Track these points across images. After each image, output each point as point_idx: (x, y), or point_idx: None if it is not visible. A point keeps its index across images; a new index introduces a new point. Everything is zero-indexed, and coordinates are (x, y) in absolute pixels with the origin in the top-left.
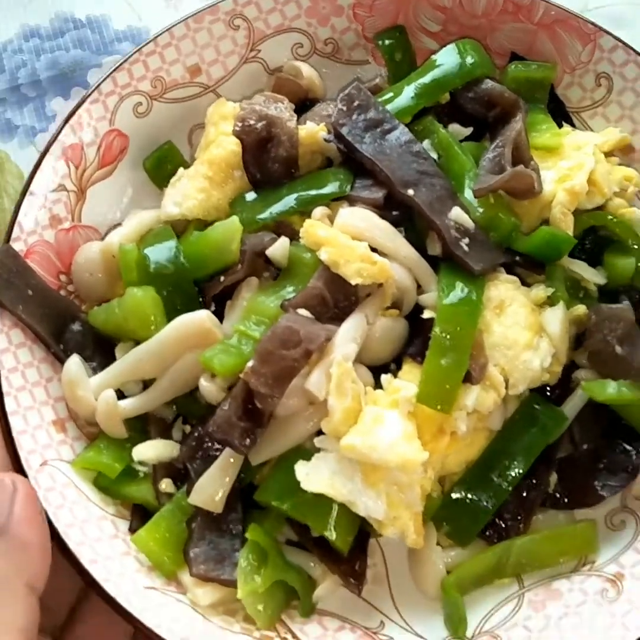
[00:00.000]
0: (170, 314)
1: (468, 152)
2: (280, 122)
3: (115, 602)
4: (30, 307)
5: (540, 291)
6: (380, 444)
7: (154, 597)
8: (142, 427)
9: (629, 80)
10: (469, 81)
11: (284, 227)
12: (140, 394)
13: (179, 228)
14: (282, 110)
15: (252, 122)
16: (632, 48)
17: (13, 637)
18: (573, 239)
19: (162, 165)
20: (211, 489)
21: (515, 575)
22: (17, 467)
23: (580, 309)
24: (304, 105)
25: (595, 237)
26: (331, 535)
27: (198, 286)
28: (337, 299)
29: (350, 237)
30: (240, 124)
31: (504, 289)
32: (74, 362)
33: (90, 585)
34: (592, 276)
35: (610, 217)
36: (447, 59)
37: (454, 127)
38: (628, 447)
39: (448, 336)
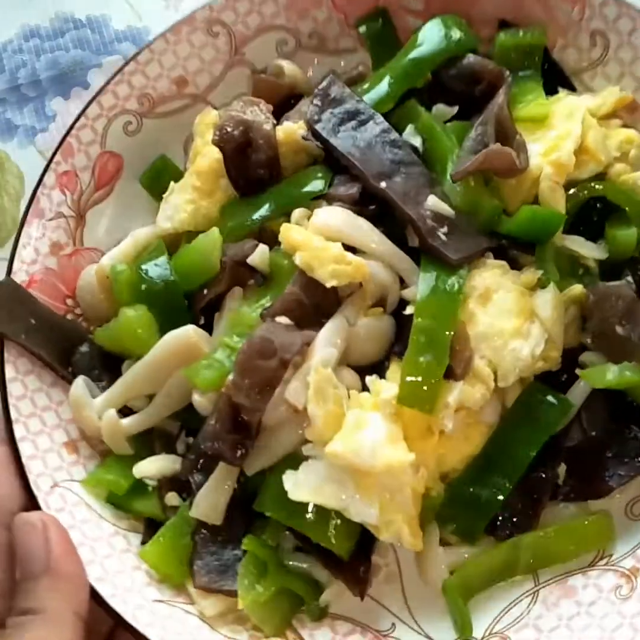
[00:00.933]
0: (164, 329)
1: (452, 133)
2: (256, 125)
3: (120, 617)
4: (33, 335)
5: (529, 274)
6: (363, 448)
7: (161, 610)
8: (148, 442)
9: (625, 35)
10: (450, 58)
11: (266, 232)
12: (140, 411)
13: (177, 242)
14: (258, 113)
15: (229, 129)
16: (623, 0)
17: None
18: (562, 214)
19: (159, 180)
20: (209, 501)
21: (528, 572)
22: (28, 493)
23: (577, 288)
24: (288, 103)
25: (599, 209)
26: (330, 543)
27: (189, 300)
28: (317, 303)
29: (327, 238)
30: (218, 133)
31: (489, 276)
32: (79, 384)
33: (97, 602)
34: (591, 251)
35: (600, 186)
36: (428, 36)
37: (439, 108)
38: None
39: (425, 332)
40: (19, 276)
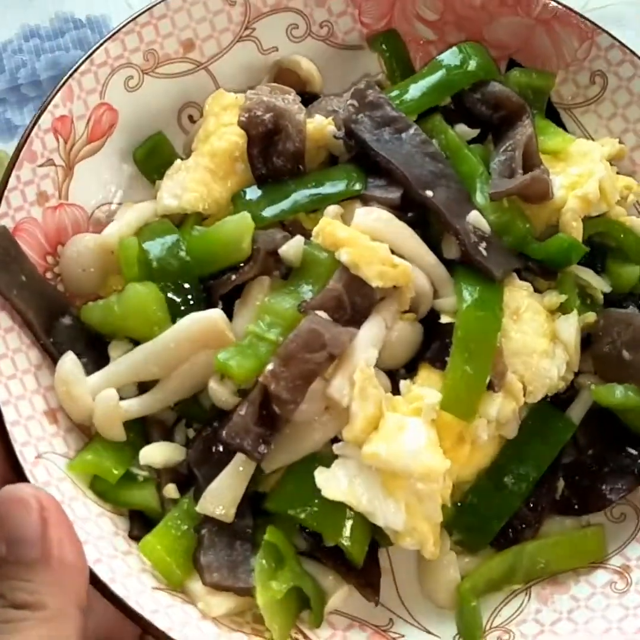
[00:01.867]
0: (173, 312)
1: (477, 154)
2: (289, 114)
3: (124, 604)
4: (24, 294)
5: (554, 298)
6: (404, 452)
7: (163, 599)
8: (140, 429)
9: (624, 79)
10: (475, 83)
11: (292, 225)
12: (142, 395)
13: (174, 222)
14: (291, 102)
15: (259, 113)
16: (628, 48)
17: None
18: (584, 246)
19: (153, 157)
20: (222, 497)
21: (526, 581)
22: (13, 461)
23: (591, 316)
24: (303, 99)
25: (593, 245)
26: (346, 544)
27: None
28: (354, 302)
29: (371, 238)
30: (246, 115)
31: (518, 296)
32: (70, 358)
33: (95, 585)
34: (599, 283)
35: (617, 225)
36: (451, 60)
37: (461, 128)
38: (633, 452)
39: (471, 342)
40: (6, 221)
